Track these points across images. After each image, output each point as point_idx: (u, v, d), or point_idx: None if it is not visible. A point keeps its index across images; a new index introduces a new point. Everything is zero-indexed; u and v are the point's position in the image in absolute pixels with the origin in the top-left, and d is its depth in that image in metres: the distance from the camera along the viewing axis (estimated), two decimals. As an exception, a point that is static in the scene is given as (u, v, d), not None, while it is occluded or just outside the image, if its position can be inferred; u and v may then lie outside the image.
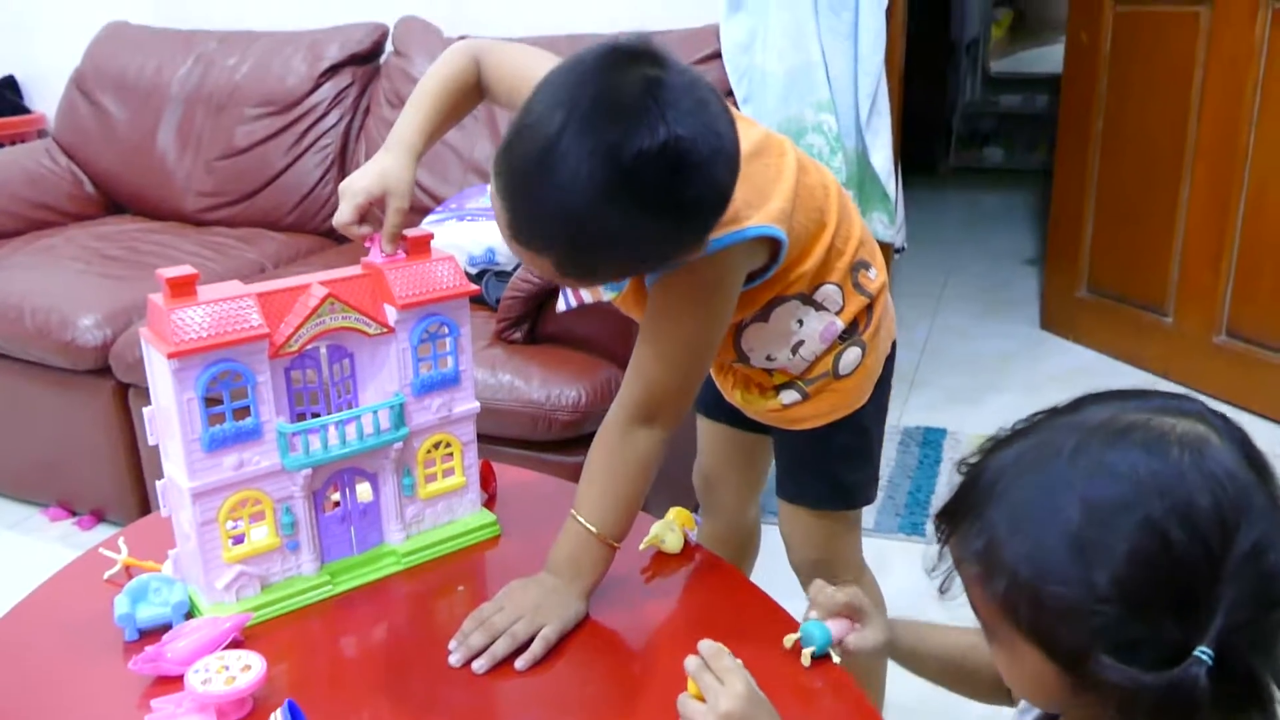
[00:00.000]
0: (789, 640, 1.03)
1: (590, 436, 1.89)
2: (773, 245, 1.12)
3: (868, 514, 2.44)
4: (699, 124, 0.91)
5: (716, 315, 1.12)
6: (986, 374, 3.28)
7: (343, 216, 1.14)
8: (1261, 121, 2.77)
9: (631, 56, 0.94)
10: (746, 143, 1.02)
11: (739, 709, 0.85)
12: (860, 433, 1.35)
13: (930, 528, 0.81)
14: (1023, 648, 0.73)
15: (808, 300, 1.21)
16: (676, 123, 0.90)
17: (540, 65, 1.19)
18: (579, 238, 0.94)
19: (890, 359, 1.36)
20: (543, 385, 1.88)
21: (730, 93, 2.43)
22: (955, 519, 0.77)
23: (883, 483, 2.59)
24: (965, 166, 6.07)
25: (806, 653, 1.00)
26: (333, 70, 2.85)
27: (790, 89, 2.42)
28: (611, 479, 1.12)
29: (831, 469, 1.36)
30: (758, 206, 1.09)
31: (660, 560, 1.21)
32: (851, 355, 1.27)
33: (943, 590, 0.79)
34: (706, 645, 0.90)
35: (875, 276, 1.27)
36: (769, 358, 1.26)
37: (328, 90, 2.84)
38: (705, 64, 2.44)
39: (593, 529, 1.10)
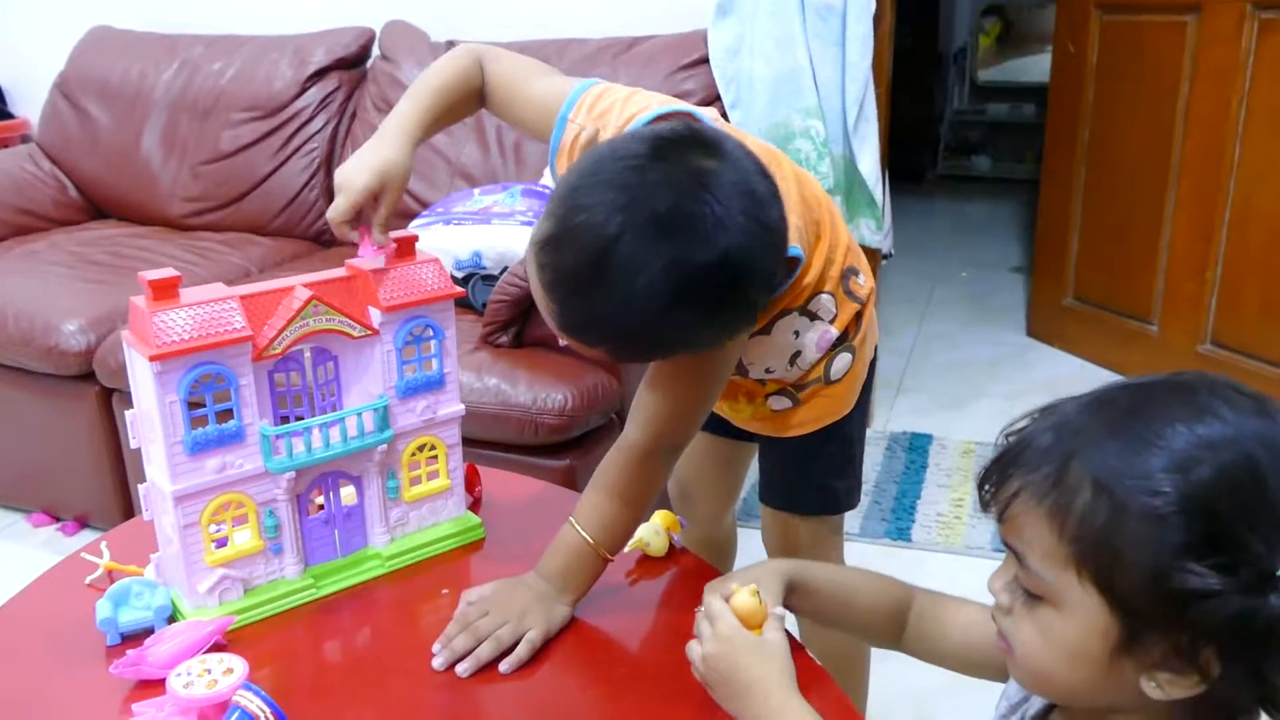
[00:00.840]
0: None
1: (577, 440, 1.92)
2: (789, 261, 1.12)
3: (852, 519, 2.44)
4: (753, 224, 0.92)
5: (738, 344, 1.12)
6: (973, 380, 3.29)
7: (340, 212, 1.12)
8: (1247, 132, 2.78)
9: (682, 148, 0.93)
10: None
11: (718, 650, 0.89)
12: (846, 441, 1.35)
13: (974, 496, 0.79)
14: (1075, 596, 0.70)
15: (804, 311, 1.21)
16: (733, 228, 0.90)
17: (538, 79, 1.20)
18: (636, 338, 0.95)
19: (872, 365, 1.37)
20: (529, 389, 1.88)
21: (718, 97, 2.43)
22: (1013, 459, 0.74)
23: (868, 488, 2.59)
24: (952, 175, 6.09)
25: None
26: (319, 75, 2.84)
27: (778, 94, 2.42)
28: (620, 499, 1.11)
29: (820, 477, 1.37)
30: (792, 226, 1.08)
31: (645, 563, 1.20)
32: (842, 361, 1.27)
33: (1003, 519, 0.75)
34: (707, 587, 0.95)
35: (864, 282, 1.27)
36: (768, 370, 1.25)
37: (314, 95, 2.83)
38: (693, 69, 2.44)
39: (591, 540, 1.09)
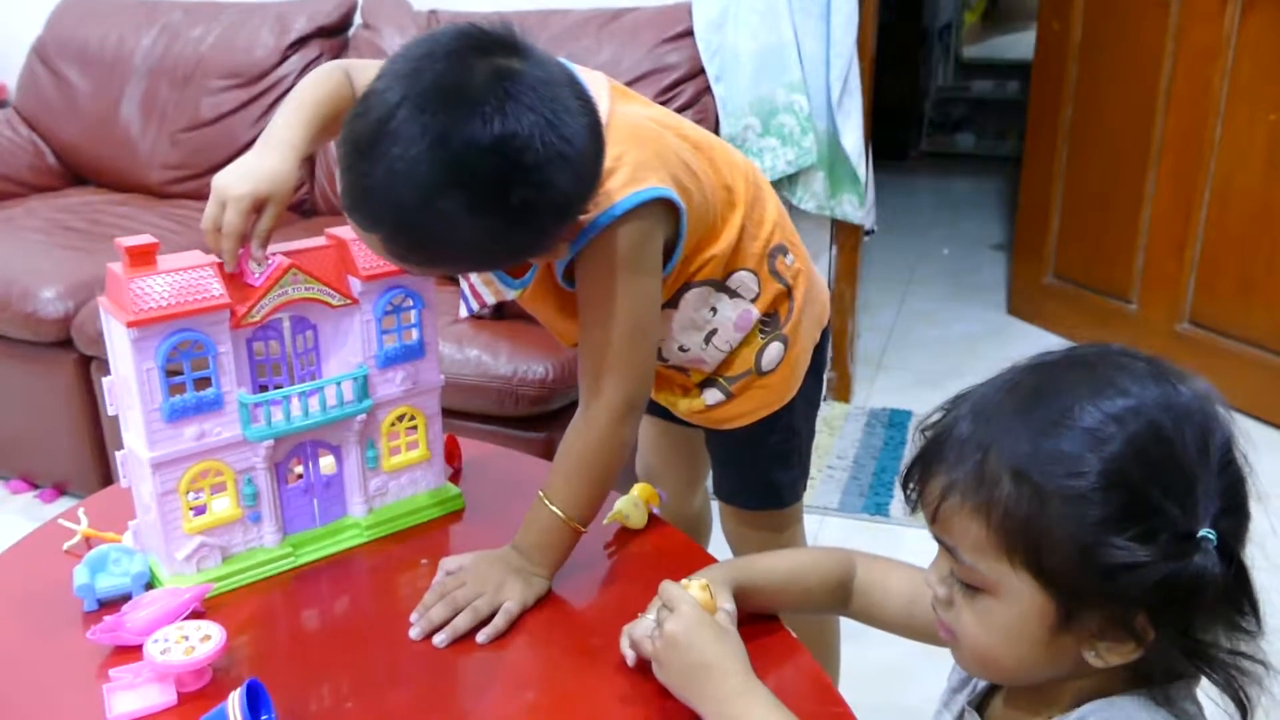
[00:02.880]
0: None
1: (557, 412, 1.92)
2: (674, 218, 1.10)
3: (831, 494, 2.46)
4: (543, 123, 0.89)
5: (648, 283, 1.09)
6: (953, 358, 3.30)
7: (212, 219, 1.04)
8: (1228, 113, 2.79)
9: (491, 41, 0.91)
10: (628, 122, 1.01)
11: (679, 628, 0.89)
12: (790, 433, 1.34)
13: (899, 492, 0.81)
14: (1010, 584, 0.72)
15: (721, 287, 1.19)
16: (516, 118, 0.87)
17: None
18: (404, 221, 0.92)
19: (821, 349, 1.34)
20: (510, 361, 1.88)
21: (702, 70, 2.43)
22: (930, 463, 0.77)
23: (847, 463, 2.61)
24: (936, 152, 6.09)
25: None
26: (300, 42, 2.81)
27: (762, 68, 2.41)
28: (583, 467, 1.11)
29: (762, 470, 1.36)
30: (655, 169, 1.06)
31: (624, 536, 1.21)
32: (774, 351, 1.25)
33: (934, 520, 0.77)
34: (662, 584, 0.95)
35: (793, 263, 1.25)
36: (681, 348, 1.23)
37: (295, 63, 2.80)
38: (677, 41, 2.43)
39: (562, 514, 1.10)
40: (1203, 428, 0.70)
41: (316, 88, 1.14)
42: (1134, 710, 0.73)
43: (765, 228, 1.21)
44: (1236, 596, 0.70)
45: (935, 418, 0.79)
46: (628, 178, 1.02)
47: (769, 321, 1.23)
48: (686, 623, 0.89)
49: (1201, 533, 0.68)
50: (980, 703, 0.86)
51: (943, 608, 0.79)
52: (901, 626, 1.02)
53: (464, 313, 1.31)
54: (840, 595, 1.03)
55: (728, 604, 0.96)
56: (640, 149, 1.04)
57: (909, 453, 0.80)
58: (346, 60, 1.19)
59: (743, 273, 1.19)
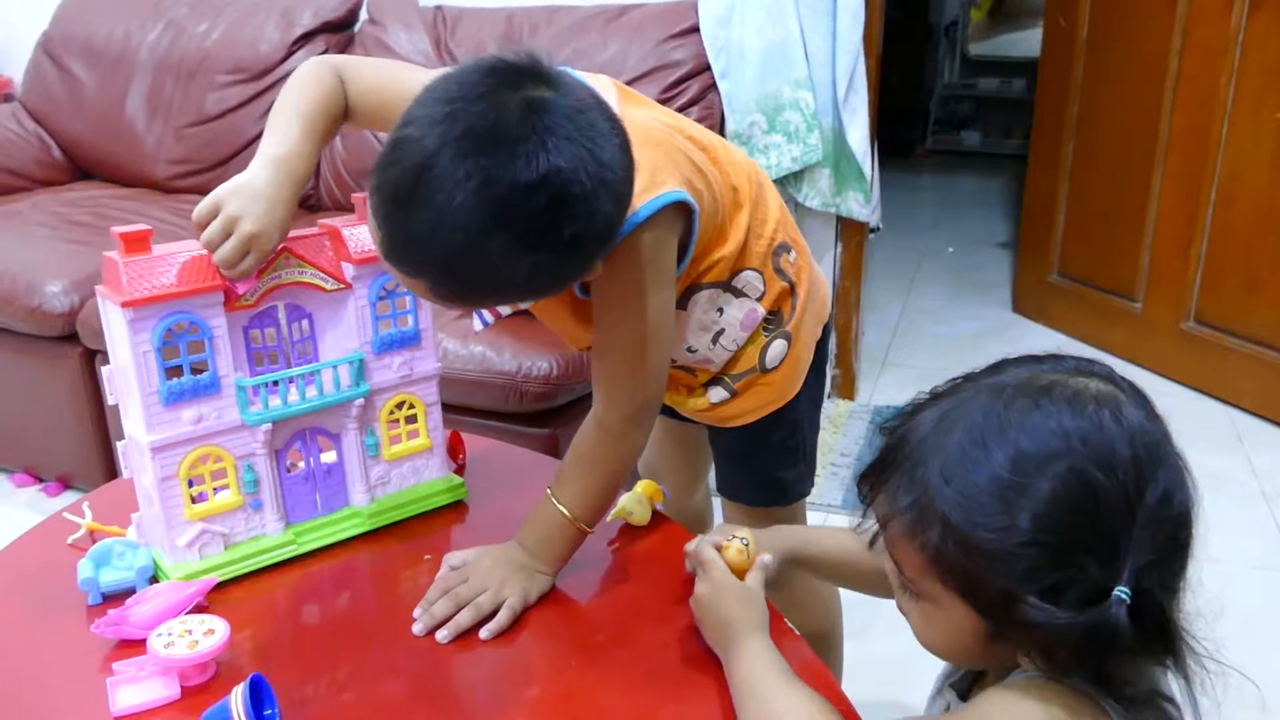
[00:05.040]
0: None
1: (561, 409, 1.92)
2: (687, 220, 1.09)
3: (834, 491, 2.46)
4: (582, 152, 0.87)
5: (664, 288, 1.09)
6: (958, 355, 3.30)
7: (235, 263, 1.04)
8: (1235, 111, 2.79)
9: (519, 74, 0.90)
10: (640, 130, 0.99)
11: (707, 591, 0.98)
12: (793, 430, 1.34)
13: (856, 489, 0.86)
14: (946, 600, 0.77)
15: (728, 288, 1.19)
16: (557, 152, 0.86)
17: (411, 77, 1.12)
18: (454, 265, 0.90)
19: (822, 345, 1.34)
20: (514, 357, 1.88)
21: (708, 67, 2.42)
22: (882, 477, 0.80)
23: (850, 460, 2.61)
24: (942, 149, 6.09)
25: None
26: (306, 38, 2.81)
27: (768, 65, 2.41)
28: (597, 473, 1.11)
29: (766, 467, 1.35)
30: (669, 172, 1.05)
31: (627, 532, 1.21)
32: (777, 348, 1.25)
33: (872, 545, 0.83)
34: (701, 538, 1.04)
35: (796, 260, 1.25)
36: (690, 349, 1.23)
37: (301, 58, 2.80)
38: (683, 37, 2.43)
39: (569, 514, 1.10)
40: (1138, 476, 0.72)
41: (306, 98, 1.12)
42: (1037, 699, 0.75)
43: (769, 226, 1.21)
44: (1154, 645, 0.73)
45: (896, 422, 0.82)
46: (646, 183, 1.01)
47: (773, 319, 1.23)
48: (713, 586, 0.98)
49: (1116, 591, 0.70)
50: (970, 684, 0.89)
51: (898, 593, 0.84)
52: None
53: (477, 326, 1.30)
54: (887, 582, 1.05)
55: (766, 557, 1.02)
56: (653, 152, 1.04)
57: (871, 451, 0.83)
58: (334, 58, 1.17)
59: (748, 272, 1.19)
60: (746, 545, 1.01)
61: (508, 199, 0.86)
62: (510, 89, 0.88)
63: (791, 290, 1.24)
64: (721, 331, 1.21)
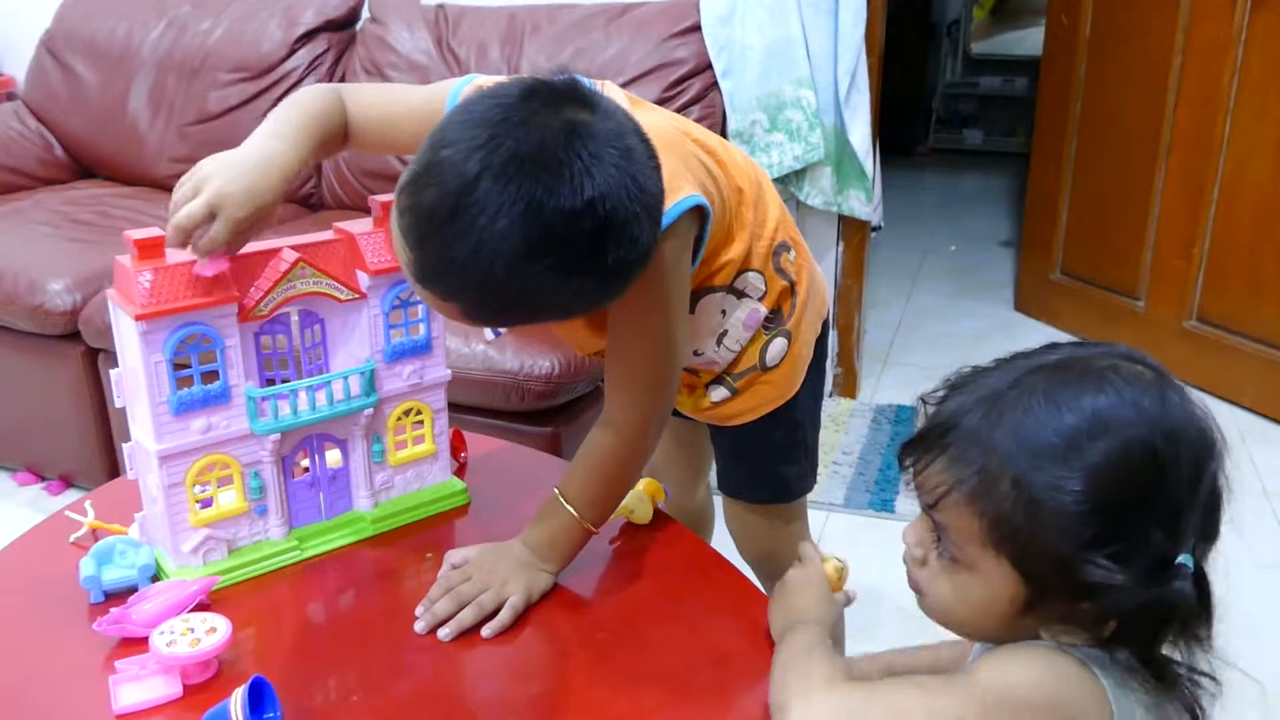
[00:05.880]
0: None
1: (563, 407, 1.92)
2: (700, 223, 1.09)
3: (837, 491, 2.46)
4: (625, 178, 0.87)
5: (680, 293, 1.09)
6: (959, 354, 3.26)
7: (212, 232, 1.00)
8: (1237, 109, 2.78)
9: (559, 96, 0.89)
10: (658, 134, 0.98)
11: (795, 578, 1.03)
12: (794, 427, 1.33)
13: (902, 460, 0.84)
14: (990, 567, 0.77)
15: (731, 290, 1.19)
16: (602, 177, 0.85)
17: (416, 98, 1.12)
18: (491, 291, 0.89)
19: (821, 342, 1.34)
20: (516, 355, 1.88)
21: (710, 65, 2.42)
22: (942, 443, 0.78)
23: (853, 459, 2.61)
24: (944, 148, 6.08)
25: None
26: (308, 36, 2.81)
27: (770, 64, 2.41)
28: (604, 473, 1.11)
29: (767, 465, 1.35)
30: (685, 176, 1.05)
31: (629, 531, 1.21)
32: (777, 346, 1.25)
33: (931, 502, 0.80)
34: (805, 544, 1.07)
35: (795, 258, 1.25)
36: (696, 353, 1.23)
37: (303, 57, 2.80)
38: (685, 36, 2.43)
39: (577, 515, 1.10)
40: (1198, 454, 0.73)
41: (320, 108, 1.11)
42: (1026, 660, 0.76)
43: (769, 226, 1.21)
44: (1201, 618, 0.73)
45: (940, 393, 0.82)
46: (665, 189, 1.01)
47: (773, 318, 1.23)
48: (805, 575, 1.02)
49: (1180, 559, 0.71)
50: None
51: (915, 565, 0.84)
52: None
53: (489, 335, 1.30)
54: None
55: (853, 592, 1.07)
56: (668, 157, 1.03)
57: (915, 425, 0.83)
58: (336, 85, 1.16)
59: (750, 273, 1.19)
60: (842, 568, 1.06)
61: (552, 225, 0.84)
62: (552, 112, 0.87)
63: (791, 289, 1.24)
64: (725, 333, 1.21)
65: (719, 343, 1.22)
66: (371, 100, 1.15)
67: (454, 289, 0.91)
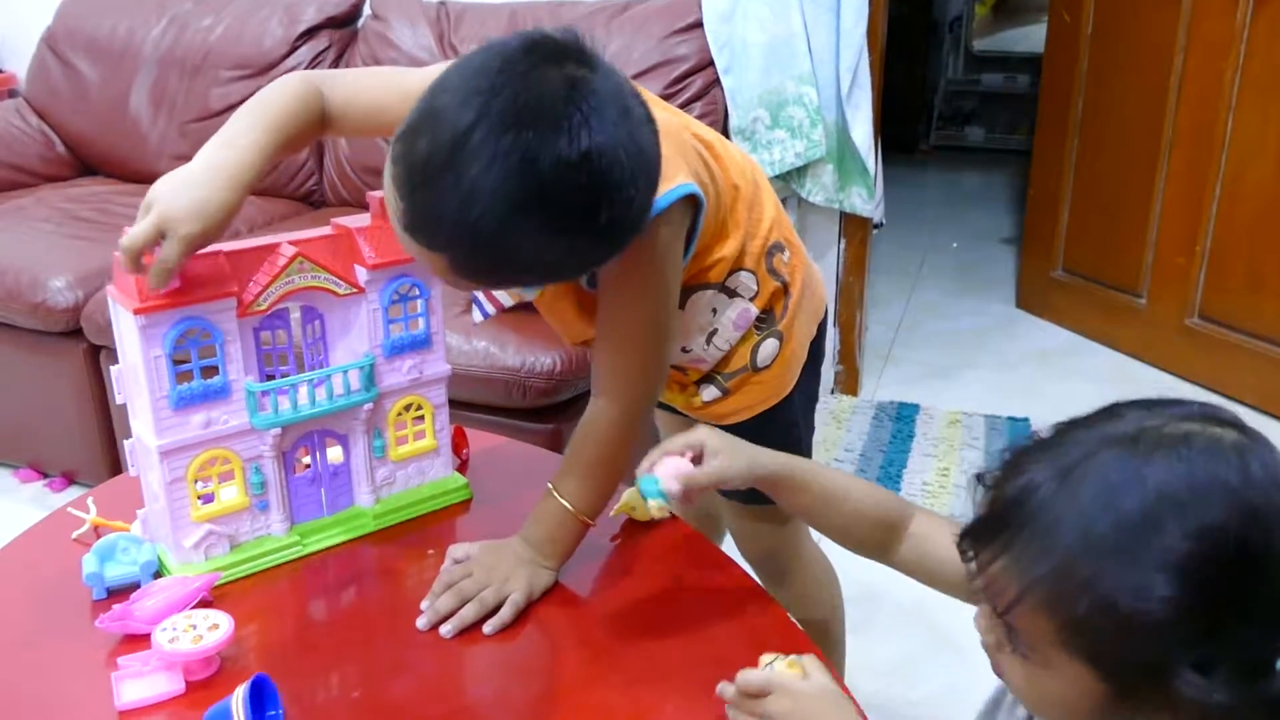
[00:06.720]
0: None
1: (565, 404, 1.92)
2: (693, 214, 1.09)
3: (840, 488, 2.46)
4: (623, 135, 0.86)
5: (671, 281, 1.09)
6: (961, 351, 3.30)
7: (163, 254, 0.96)
8: (1239, 107, 2.78)
9: (561, 51, 0.88)
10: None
11: (787, 709, 0.85)
12: (788, 428, 1.33)
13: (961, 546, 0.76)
14: (1063, 666, 0.70)
15: (723, 289, 1.19)
16: (600, 132, 0.84)
17: (410, 81, 1.10)
18: (481, 242, 0.87)
19: (817, 343, 1.34)
20: (518, 352, 1.88)
21: (711, 63, 2.42)
22: (1002, 540, 0.71)
23: (855, 456, 2.61)
24: (946, 145, 6.07)
25: (653, 505, 0.97)
26: (310, 33, 2.81)
27: (771, 60, 2.41)
28: (594, 462, 1.11)
29: None
30: (680, 165, 1.04)
31: (631, 527, 1.21)
32: (769, 347, 1.25)
33: (995, 598, 0.73)
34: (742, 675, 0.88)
35: (789, 259, 1.24)
36: (684, 349, 1.23)
37: (304, 54, 2.80)
38: (686, 33, 2.43)
39: (571, 507, 1.10)
40: None
41: (284, 103, 1.08)
42: None
43: (764, 225, 1.20)
44: None
45: (999, 473, 0.74)
46: (662, 174, 1.01)
47: (765, 318, 1.23)
48: (794, 699, 0.85)
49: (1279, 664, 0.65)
50: None
51: (992, 650, 0.77)
52: (960, 586, 0.93)
53: (477, 318, 1.29)
54: (884, 537, 1.00)
55: (818, 675, 0.89)
56: (665, 144, 1.03)
57: (973, 506, 0.76)
58: (310, 72, 1.14)
59: (742, 273, 1.19)
60: (798, 661, 0.89)
61: (548, 176, 0.84)
62: (553, 66, 0.86)
63: (785, 290, 1.24)
64: (715, 331, 1.21)
65: (708, 341, 1.22)
66: (361, 85, 1.14)
67: (444, 240, 0.89)
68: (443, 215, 0.87)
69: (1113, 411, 0.73)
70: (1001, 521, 0.72)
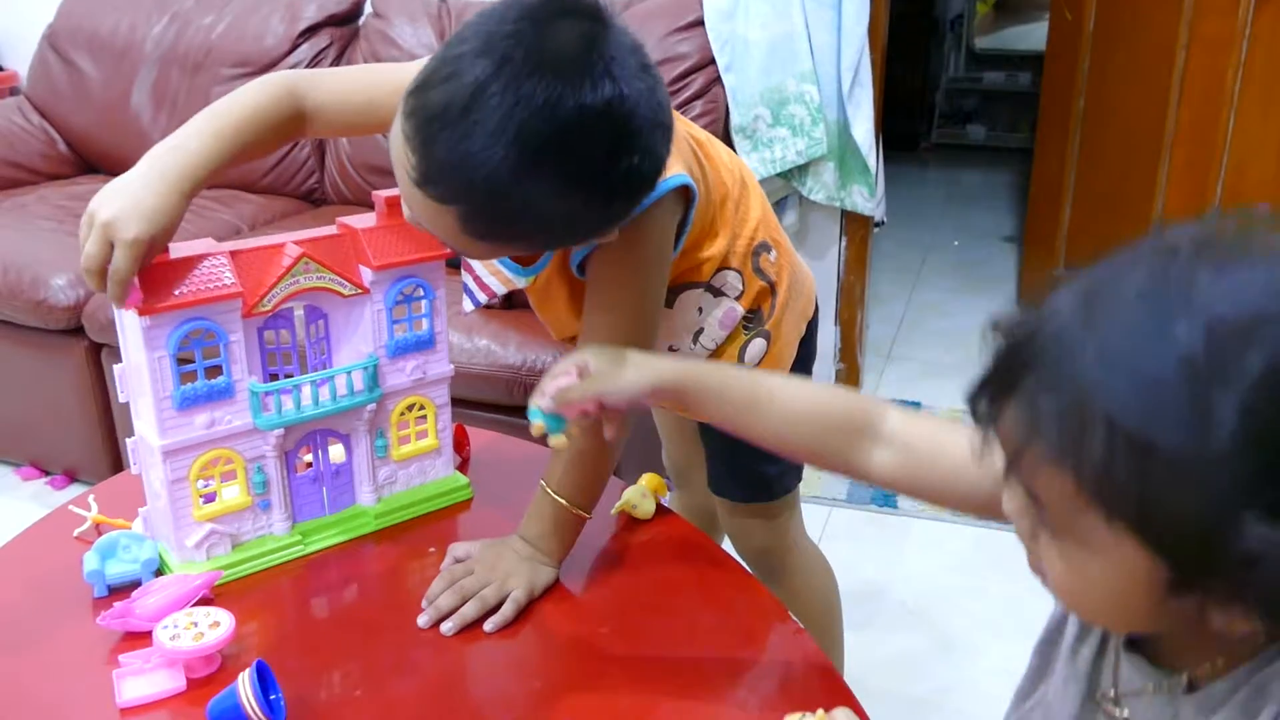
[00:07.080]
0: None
1: (565, 403, 1.92)
2: (684, 208, 1.09)
3: (838, 486, 2.46)
4: (644, 87, 0.86)
5: (660, 273, 1.09)
6: (962, 349, 3.30)
7: (114, 266, 0.95)
8: (1241, 105, 2.78)
9: (575, 7, 0.88)
10: None
11: None
12: None
13: (968, 411, 0.64)
14: (1106, 540, 0.56)
15: (709, 288, 1.19)
16: (623, 82, 0.84)
17: (396, 72, 1.09)
18: (495, 193, 0.86)
19: (806, 343, 1.34)
20: (519, 350, 1.88)
21: (712, 60, 2.42)
22: (1010, 381, 0.59)
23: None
24: (947, 143, 6.07)
25: (553, 440, 0.90)
26: (311, 31, 2.82)
27: (772, 58, 2.41)
28: (583, 456, 1.11)
29: (749, 462, 1.35)
30: (674, 156, 1.03)
31: (631, 525, 1.21)
32: (756, 347, 1.25)
33: (1010, 461, 0.61)
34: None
35: (776, 259, 1.24)
36: (670, 348, 1.23)
37: (305, 51, 2.81)
38: (687, 31, 2.43)
39: (564, 502, 1.10)
40: None
41: (244, 107, 1.07)
42: None
43: (749, 225, 1.20)
44: None
45: (1010, 321, 0.62)
46: None
47: (752, 318, 1.23)
48: None
49: None
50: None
51: (1028, 539, 0.64)
52: (957, 496, 0.81)
53: (468, 308, 1.29)
54: (844, 442, 0.85)
55: (840, 713, 0.83)
56: None
57: (982, 358, 0.62)
58: (293, 74, 1.13)
59: (728, 272, 1.19)
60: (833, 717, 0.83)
61: (571, 122, 0.83)
62: (572, 19, 0.86)
63: (771, 289, 1.24)
64: (701, 331, 1.22)
65: (695, 340, 1.22)
66: (350, 82, 1.14)
67: (458, 191, 0.88)
68: (459, 163, 0.86)
69: (1155, 232, 0.61)
70: (1010, 360, 0.60)
